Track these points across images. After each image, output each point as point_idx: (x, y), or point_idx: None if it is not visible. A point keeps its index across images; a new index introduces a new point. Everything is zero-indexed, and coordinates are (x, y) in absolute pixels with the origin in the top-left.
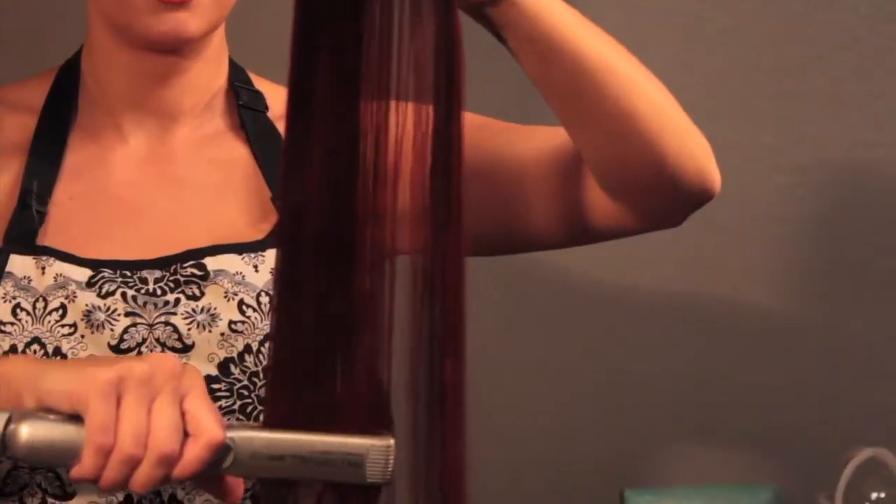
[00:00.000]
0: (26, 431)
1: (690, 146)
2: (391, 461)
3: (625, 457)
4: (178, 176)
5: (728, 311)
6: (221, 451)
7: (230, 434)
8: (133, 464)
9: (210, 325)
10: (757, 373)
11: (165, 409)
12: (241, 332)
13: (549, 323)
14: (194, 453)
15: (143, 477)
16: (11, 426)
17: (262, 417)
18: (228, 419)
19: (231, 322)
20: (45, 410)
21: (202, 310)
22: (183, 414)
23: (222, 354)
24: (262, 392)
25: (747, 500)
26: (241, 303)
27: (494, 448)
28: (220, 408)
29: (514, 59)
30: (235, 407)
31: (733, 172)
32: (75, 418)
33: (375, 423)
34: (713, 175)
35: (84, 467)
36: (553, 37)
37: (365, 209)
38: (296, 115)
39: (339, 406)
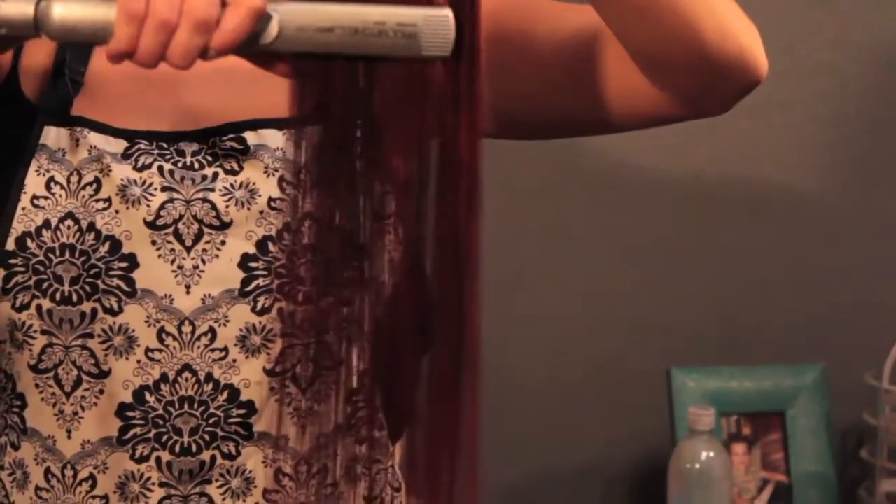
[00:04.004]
0: (59, 10)
1: (731, 27)
2: (450, 32)
3: (672, 336)
4: None
5: (775, 191)
6: (262, 20)
7: (272, 6)
8: (168, 30)
9: (249, 202)
10: (805, 253)
11: None
12: (281, 209)
13: (594, 205)
14: (233, 21)
15: (180, 46)
16: (42, 4)
17: (301, 296)
18: (265, 298)
19: (270, 199)
20: None
21: (241, 185)
22: None
23: (261, 232)
24: (301, 271)
25: (794, 379)
26: (281, 179)
27: (540, 328)
28: (258, 286)
29: None
30: (273, 286)
31: (781, 50)
32: None
33: None
34: (758, 58)
35: (119, 40)
36: None
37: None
38: None
39: None
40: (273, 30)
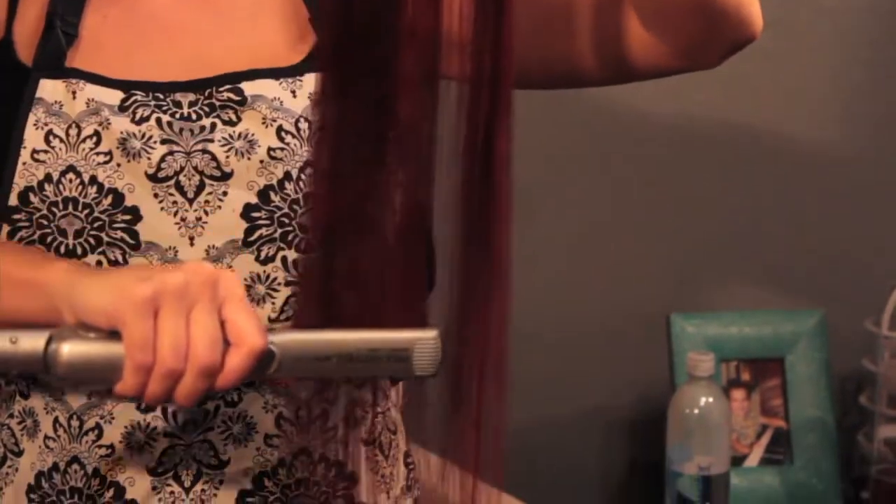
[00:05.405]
0: (67, 350)
1: None
2: (438, 353)
3: (672, 282)
4: None
5: (775, 137)
6: (264, 357)
7: (272, 339)
8: (175, 378)
9: (248, 152)
10: (804, 199)
11: (204, 319)
12: (281, 158)
13: (595, 151)
14: (236, 362)
15: (186, 390)
16: (52, 346)
17: (303, 243)
18: (269, 247)
19: (270, 149)
20: (83, 327)
21: (239, 136)
22: (223, 322)
23: (262, 182)
24: (302, 219)
25: (793, 325)
26: (279, 129)
27: (541, 275)
28: (261, 236)
29: None
30: (276, 235)
31: None
32: (114, 334)
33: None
34: (753, 14)
35: (127, 385)
36: None
37: (409, 28)
38: None
39: (379, 225)
40: (273, 363)
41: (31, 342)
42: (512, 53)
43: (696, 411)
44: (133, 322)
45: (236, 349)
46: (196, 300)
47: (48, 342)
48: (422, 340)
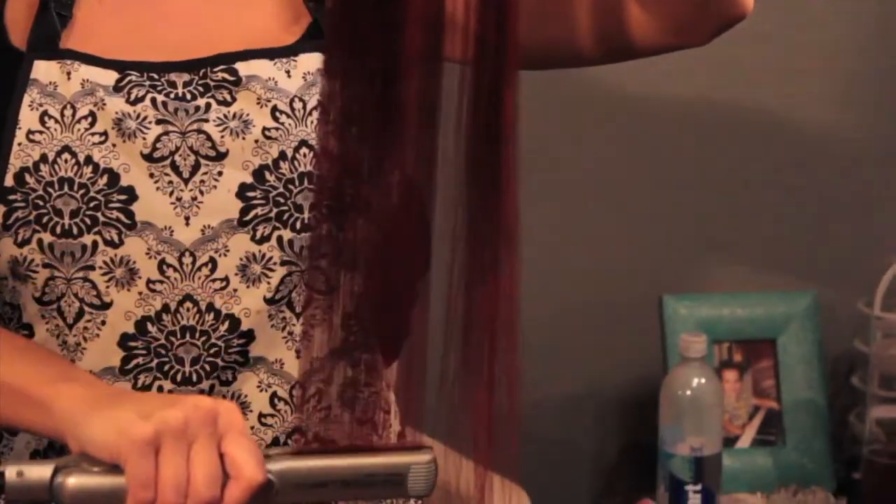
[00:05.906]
0: (72, 483)
1: None
2: (433, 475)
3: (664, 264)
4: None
5: (768, 118)
6: (263, 488)
7: (270, 467)
8: None
9: (243, 132)
10: (797, 180)
11: (204, 456)
12: (276, 138)
13: (586, 132)
14: (235, 496)
15: None
16: (58, 479)
17: (298, 223)
18: (264, 227)
19: (265, 128)
20: (87, 458)
21: (234, 116)
22: (222, 455)
23: (257, 162)
24: (298, 199)
25: (786, 306)
26: (274, 109)
27: (532, 256)
28: (256, 216)
29: None
30: (272, 215)
31: None
32: (117, 468)
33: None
34: None
35: None
36: None
37: (412, 7)
38: None
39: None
40: (272, 492)
41: (38, 474)
42: (517, 33)
43: (688, 392)
44: (135, 462)
45: (236, 483)
46: (196, 436)
47: (53, 475)
48: (416, 464)
